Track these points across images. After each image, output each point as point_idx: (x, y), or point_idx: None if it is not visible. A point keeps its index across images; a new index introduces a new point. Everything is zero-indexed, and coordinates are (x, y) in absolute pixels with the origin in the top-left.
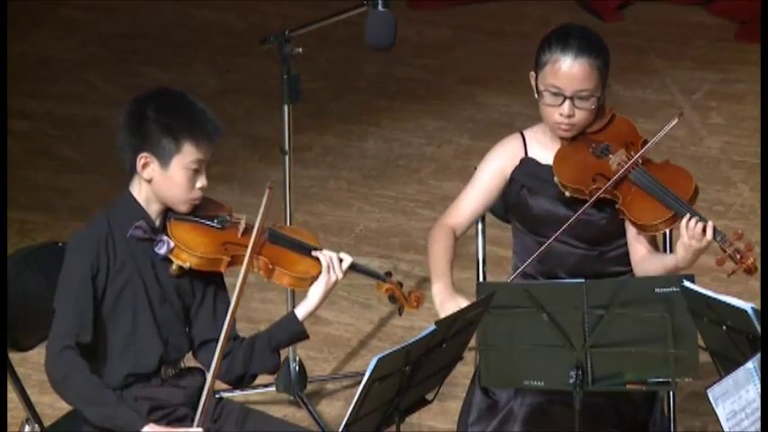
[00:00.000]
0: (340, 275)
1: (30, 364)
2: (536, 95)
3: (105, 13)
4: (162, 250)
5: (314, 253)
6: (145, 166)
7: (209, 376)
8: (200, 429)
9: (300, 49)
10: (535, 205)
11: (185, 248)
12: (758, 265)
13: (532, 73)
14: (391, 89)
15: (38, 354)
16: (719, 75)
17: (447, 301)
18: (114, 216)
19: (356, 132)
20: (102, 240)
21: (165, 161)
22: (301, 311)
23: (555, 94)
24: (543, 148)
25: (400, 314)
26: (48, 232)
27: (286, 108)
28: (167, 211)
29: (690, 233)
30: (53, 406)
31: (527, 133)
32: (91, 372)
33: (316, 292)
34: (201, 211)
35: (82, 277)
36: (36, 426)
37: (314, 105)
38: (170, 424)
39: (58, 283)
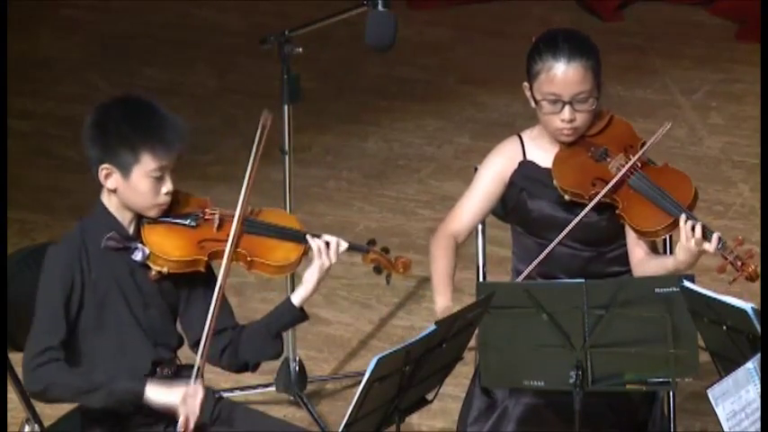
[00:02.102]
0: (333, 259)
1: None
2: (533, 105)
3: (105, 13)
4: (138, 257)
5: (308, 238)
6: (107, 176)
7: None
8: (200, 385)
9: (300, 49)
10: (535, 209)
11: (161, 254)
12: (759, 271)
13: (526, 84)
14: (391, 89)
15: None
16: (719, 75)
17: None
18: (88, 228)
19: (356, 132)
20: (75, 256)
21: (125, 172)
22: (297, 298)
23: (553, 102)
24: (542, 151)
25: (388, 283)
26: (48, 232)
27: (286, 108)
28: (141, 217)
29: (688, 234)
30: (53, 406)
31: (525, 136)
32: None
33: (310, 278)
34: (176, 208)
35: (52, 295)
36: (36, 426)
37: (314, 105)
38: (170, 426)
39: (37, 296)
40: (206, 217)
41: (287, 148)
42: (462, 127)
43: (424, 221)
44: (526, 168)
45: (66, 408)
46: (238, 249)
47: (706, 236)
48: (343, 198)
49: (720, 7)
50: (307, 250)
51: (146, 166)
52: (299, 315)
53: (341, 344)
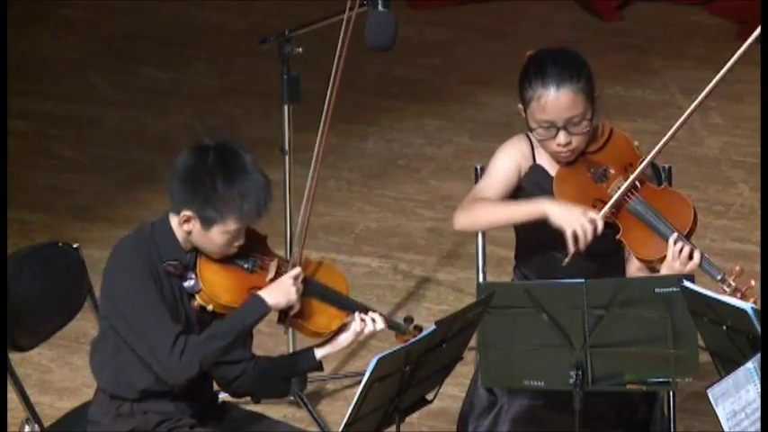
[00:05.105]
0: (367, 334)
1: (30, 364)
2: (529, 130)
3: (105, 13)
4: (188, 285)
5: (356, 314)
6: (186, 221)
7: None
8: (298, 269)
9: (300, 49)
10: None
11: (210, 293)
12: (757, 303)
13: (520, 106)
14: (391, 89)
15: (38, 354)
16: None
17: (572, 212)
18: (155, 241)
19: (356, 132)
20: (149, 258)
21: (206, 225)
22: (321, 353)
23: (548, 128)
24: (548, 157)
25: None
26: (48, 232)
27: (286, 108)
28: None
29: (674, 254)
30: (53, 406)
31: (533, 138)
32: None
33: (342, 342)
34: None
35: (148, 291)
36: (36, 426)
37: (314, 105)
38: (174, 429)
39: (124, 300)
40: (263, 264)
41: (287, 148)
42: (462, 127)
43: (424, 221)
44: (536, 174)
45: (65, 407)
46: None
47: (692, 255)
48: (343, 198)
49: (720, 7)
50: (347, 319)
51: (228, 226)
52: (317, 366)
53: None
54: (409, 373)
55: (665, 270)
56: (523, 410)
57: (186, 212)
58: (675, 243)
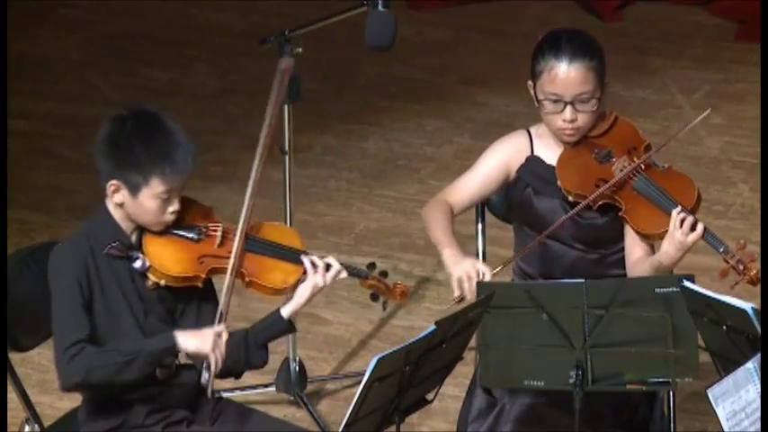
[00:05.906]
0: (328, 281)
1: (30, 364)
2: (536, 104)
3: (105, 13)
4: (137, 266)
5: (302, 257)
6: (115, 192)
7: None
8: (222, 326)
9: (300, 49)
10: (540, 206)
11: (159, 267)
12: (760, 276)
13: (530, 82)
14: (391, 89)
15: (38, 354)
16: (719, 75)
17: (462, 261)
18: (93, 233)
19: (356, 132)
20: (84, 256)
21: (133, 191)
22: (286, 311)
23: (555, 102)
24: (549, 147)
25: (384, 309)
26: (48, 232)
27: (286, 108)
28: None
29: (676, 224)
30: (53, 406)
31: (533, 131)
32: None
33: (302, 293)
34: (179, 216)
35: (70, 293)
36: (36, 426)
37: (314, 105)
38: (168, 426)
39: (52, 305)
40: (209, 232)
41: (287, 148)
42: (462, 127)
43: None
44: (533, 164)
45: (65, 408)
46: (239, 269)
47: (695, 227)
48: (343, 198)
49: (720, 7)
50: (305, 271)
51: (154, 188)
52: (287, 327)
53: (341, 344)
54: (409, 373)
55: (666, 243)
56: (525, 410)
57: (113, 182)
58: (678, 214)
